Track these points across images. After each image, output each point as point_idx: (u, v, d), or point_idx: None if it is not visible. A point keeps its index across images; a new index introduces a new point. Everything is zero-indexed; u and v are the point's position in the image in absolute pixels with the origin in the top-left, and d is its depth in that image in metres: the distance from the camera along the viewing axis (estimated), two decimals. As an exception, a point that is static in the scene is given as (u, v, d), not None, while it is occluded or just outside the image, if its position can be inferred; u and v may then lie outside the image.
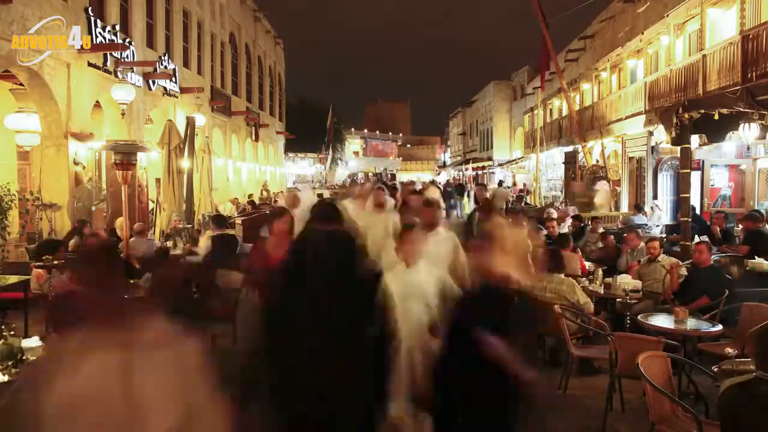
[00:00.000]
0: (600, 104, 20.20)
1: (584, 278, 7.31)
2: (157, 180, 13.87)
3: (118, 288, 2.15)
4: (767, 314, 5.36)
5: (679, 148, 9.44)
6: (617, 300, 6.61)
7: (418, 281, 4.05)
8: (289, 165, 41.97)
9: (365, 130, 68.62)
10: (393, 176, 54.29)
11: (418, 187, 11.48)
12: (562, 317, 5.56)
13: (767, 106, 7.49)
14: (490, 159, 41.07)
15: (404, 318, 3.71)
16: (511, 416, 2.90)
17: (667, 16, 14.98)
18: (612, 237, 9.55)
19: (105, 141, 12.28)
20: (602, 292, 6.90)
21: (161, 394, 1.89)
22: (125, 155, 7.90)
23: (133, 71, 14.26)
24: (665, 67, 15.51)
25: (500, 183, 28.02)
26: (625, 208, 17.20)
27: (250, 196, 21.16)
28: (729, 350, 4.46)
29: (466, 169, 45.66)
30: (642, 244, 8.18)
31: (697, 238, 9.15)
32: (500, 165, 37.96)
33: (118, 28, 13.62)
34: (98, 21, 12.66)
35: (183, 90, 17.85)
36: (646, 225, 13.14)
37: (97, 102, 13.30)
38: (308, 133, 39.81)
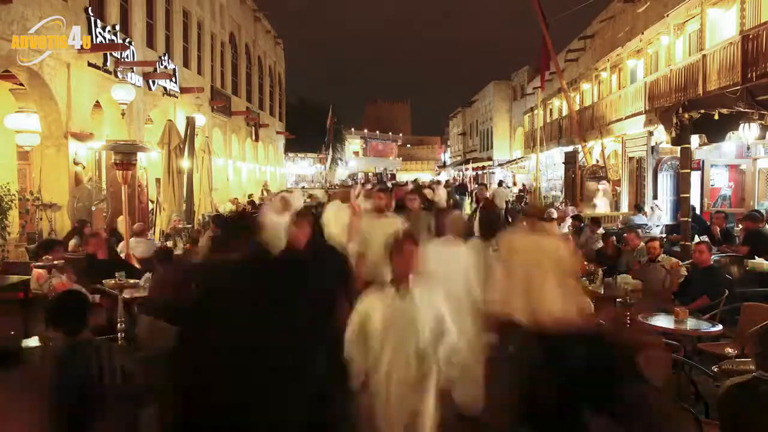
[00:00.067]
0: (600, 104, 20.19)
1: (584, 278, 7.30)
2: (157, 180, 13.87)
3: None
4: (767, 314, 5.36)
5: (679, 148, 9.45)
6: (617, 300, 6.60)
7: (410, 315, 3.11)
8: (289, 165, 41.97)
9: (365, 130, 68.64)
10: (393, 176, 54.31)
11: (414, 187, 11.39)
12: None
13: (767, 106, 7.49)
14: (490, 159, 41.06)
15: (391, 362, 3.02)
16: None
17: (667, 16, 14.97)
18: (612, 237, 9.55)
19: (105, 141, 12.28)
20: (602, 292, 6.89)
21: None
22: (125, 155, 7.90)
23: (133, 71, 14.26)
24: (665, 67, 15.50)
25: (500, 183, 28.01)
26: (625, 208, 17.19)
27: (250, 196, 21.16)
28: (729, 350, 4.46)
29: (466, 169, 45.66)
30: (642, 244, 8.18)
31: (697, 238, 9.15)
32: (500, 165, 37.94)
33: (118, 28, 13.62)
34: (98, 21, 12.66)
35: (183, 90, 17.85)
36: (646, 225, 13.13)
37: (97, 102, 13.30)
38: (308, 133, 39.79)
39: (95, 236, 7.68)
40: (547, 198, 24.31)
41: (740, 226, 9.56)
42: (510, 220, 13.50)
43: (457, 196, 21.99)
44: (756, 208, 12.09)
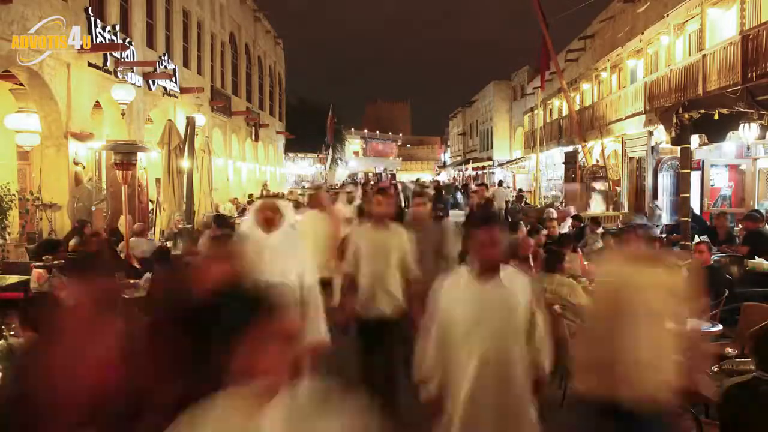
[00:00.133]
0: (600, 104, 20.20)
1: (584, 278, 7.30)
2: (157, 180, 13.86)
3: None
4: (767, 314, 5.36)
5: (679, 148, 9.44)
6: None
7: (506, 302, 2.75)
8: (289, 165, 41.97)
9: (365, 130, 68.65)
10: (393, 176, 54.27)
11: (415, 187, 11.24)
12: (562, 317, 5.55)
13: (767, 106, 7.49)
14: (490, 159, 41.06)
15: (480, 370, 2.68)
16: None
17: (667, 16, 14.97)
18: (612, 237, 9.53)
19: (105, 141, 12.28)
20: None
21: None
22: (125, 155, 7.91)
23: (133, 71, 14.26)
24: (665, 67, 15.51)
25: (500, 183, 27.99)
26: (625, 208, 17.19)
27: (250, 196, 21.16)
28: (729, 350, 4.45)
29: (466, 169, 45.69)
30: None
31: (697, 238, 9.15)
32: (500, 165, 37.95)
33: (118, 28, 13.62)
34: (98, 21, 12.66)
35: (183, 90, 17.85)
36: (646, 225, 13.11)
37: (97, 102, 13.30)
38: (308, 133, 39.79)
39: (95, 236, 7.68)
40: (547, 198, 24.32)
41: (740, 226, 9.56)
42: (510, 219, 13.50)
43: (458, 195, 21.85)
44: (756, 208, 12.09)
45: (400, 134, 73.97)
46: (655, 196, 15.64)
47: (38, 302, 3.44)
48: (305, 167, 45.69)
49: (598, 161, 19.99)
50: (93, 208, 11.65)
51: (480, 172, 42.43)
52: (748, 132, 9.15)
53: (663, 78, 15.02)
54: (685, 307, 3.12)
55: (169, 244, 10.45)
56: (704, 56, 12.79)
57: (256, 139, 27.73)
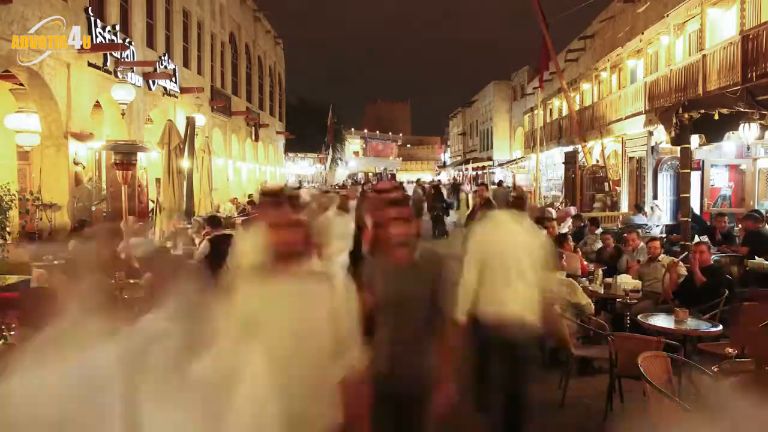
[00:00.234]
0: (600, 104, 20.20)
1: (584, 278, 7.31)
2: (157, 180, 13.85)
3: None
4: (767, 314, 5.36)
5: (679, 148, 9.44)
6: (617, 300, 6.61)
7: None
8: (289, 165, 41.98)
9: (365, 130, 68.70)
10: (393, 176, 54.29)
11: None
12: (562, 317, 5.55)
13: (767, 106, 7.49)
14: (490, 159, 41.08)
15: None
16: None
17: (667, 16, 14.97)
18: (612, 237, 9.55)
19: (105, 141, 12.29)
20: (602, 292, 6.90)
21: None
22: (125, 155, 7.92)
23: (133, 71, 14.26)
24: (665, 67, 15.51)
25: (500, 183, 28.00)
26: (625, 208, 17.20)
27: (250, 196, 21.15)
28: (729, 350, 4.45)
29: (466, 169, 45.69)
30: (642, 244, 8.18)
31: (696, 238, 9.15)
32: (500, 165, 37.96)
33: (118, 28, 13.62)
34: (98, 21, 12.66)
35: (183, 90, 17.85)
36: (646, 225, 13.14)
37: (97, 102, 13.30)
38: (308, 133, 39.81)
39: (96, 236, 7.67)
40: (547, 198, 24.32)
41: (740, 226, 9.56)
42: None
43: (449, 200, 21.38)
44: (756, 208, 12.10)
45: (400, 134, 74.00)
46: (655, 196, 15.65)
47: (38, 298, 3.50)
48: (305, 167, 45.71)
49: (598, 161, 20.00)
50: (93, 208, 11.65)
51: (480, 172, 42.43)
52: (748, 132, 9.16)
53: (663, 78, 15.02)
54: (544, 260, 4.02)
55: (169, 244, 10.45)
56: (704, 56, 12.79)
57: (256, 139, 27.73)
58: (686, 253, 7.69)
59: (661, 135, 14.15)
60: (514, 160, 35.35)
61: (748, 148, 13.61)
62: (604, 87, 20.71)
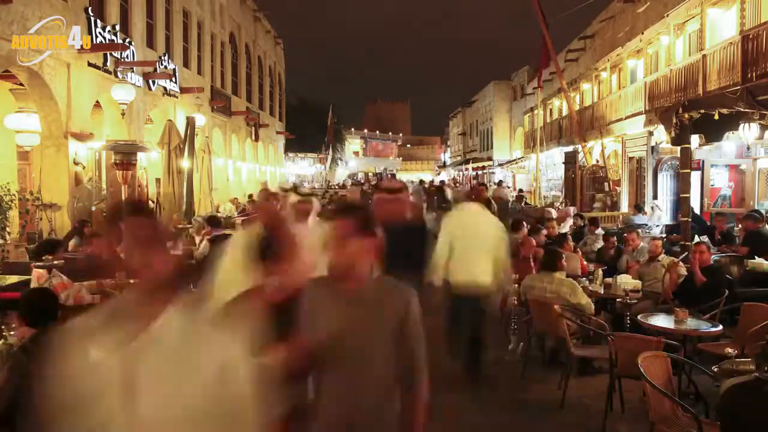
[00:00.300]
0: (600, 104, 20.20)
1: (584, 278, 7.30)
2: (157, 180, 13.87)
3: None
4: (767, 314, 5.37)
5: (679, 148, 9.44)
6: (617, 300, 6.60)
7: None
8: (289, 165, 41.99)
9: (365, 130, 68.66)
10: (393, 176, 54.24)
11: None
12: (562, 317, 5.55)
13: (767, 106, 7.49)
14: (490, 159, 41.08)
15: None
16: None
17: (667, 16, 14.97)
18: (612, 237, 9.55)
19: (105, 141, 12.29)
20: (602, 292, 6.90)
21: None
22: (125, 155, 7.92)
23: (133, 71, 14.26)
24: (665, 67, 15.51)
25: (500, 183, 27.99)
26: (625, 208, 17.20)
27: (250, 196, 21.15)
28: (729, 350, 4.45)
29: (466, 169, 45.70)
30: (642, 243, 8.18)
31: (696, 238, 9.16)
32: (500, 165, 37.97)
33: (118, 28, 13.62)
34: (98, 21, 12.65)
35: (183, 90, 17.84)
36: (646, 225, 13.14)
37: (97, 102, 13.30)
38: (308, 133, 39.82)
39: (95, 236, 7.68)
40: (547, 198, 24.32)
41: (740, 226, 9.56)
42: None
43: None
44: (756, 208, 12.10)
45: (400, 134, 73.96)
46: (655, 196, 15.65)
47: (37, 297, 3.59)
48: (305, 167, 45.73)
49: (598, 161, 20.00)
50: (93, 208, 11.65)
51: (480, 172, 42.44)
52: (748, 132, 9.15)
53: (663, 78, 15.02)
54: (501, 240, 5.55)
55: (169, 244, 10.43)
56: (704, 56, 12.79)
57: (256, 139, 27.73)
58: (686, 253, 7.69)
59: (661, 135, 14.15)
60: (514, 160, 35.35)
61: (748, 148, 13.62)
62: (604, 87, 20.71)
